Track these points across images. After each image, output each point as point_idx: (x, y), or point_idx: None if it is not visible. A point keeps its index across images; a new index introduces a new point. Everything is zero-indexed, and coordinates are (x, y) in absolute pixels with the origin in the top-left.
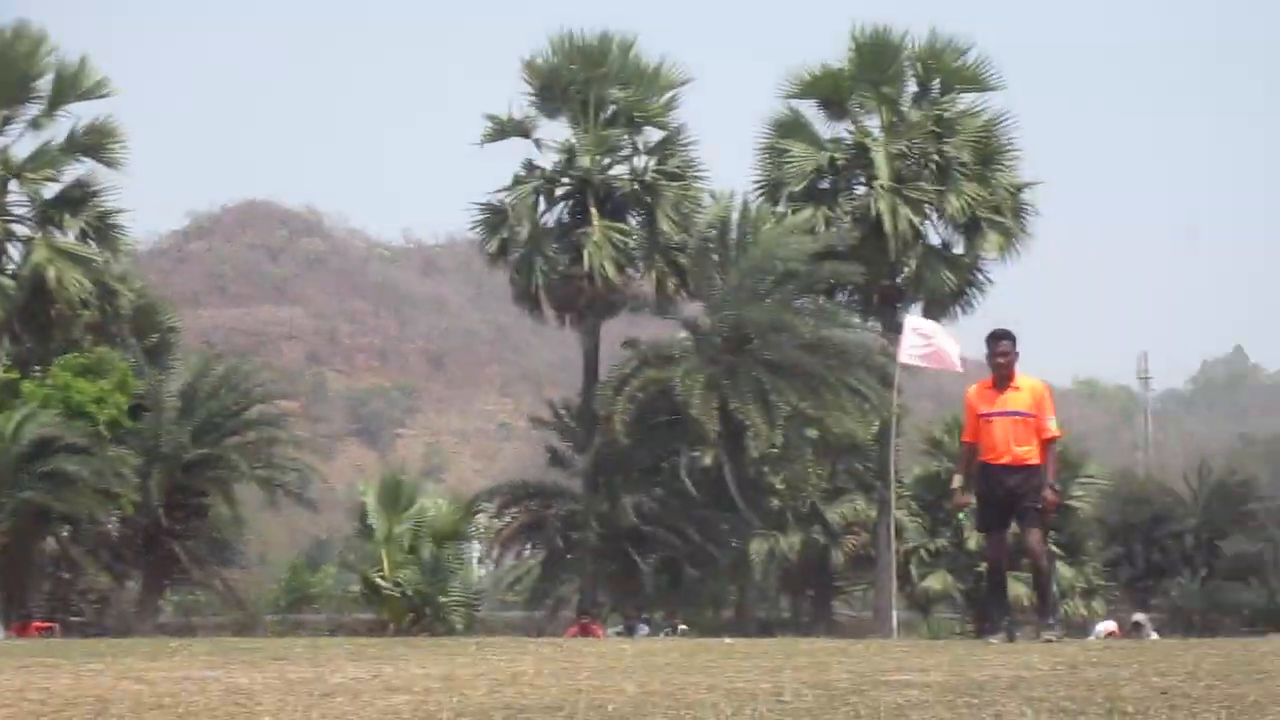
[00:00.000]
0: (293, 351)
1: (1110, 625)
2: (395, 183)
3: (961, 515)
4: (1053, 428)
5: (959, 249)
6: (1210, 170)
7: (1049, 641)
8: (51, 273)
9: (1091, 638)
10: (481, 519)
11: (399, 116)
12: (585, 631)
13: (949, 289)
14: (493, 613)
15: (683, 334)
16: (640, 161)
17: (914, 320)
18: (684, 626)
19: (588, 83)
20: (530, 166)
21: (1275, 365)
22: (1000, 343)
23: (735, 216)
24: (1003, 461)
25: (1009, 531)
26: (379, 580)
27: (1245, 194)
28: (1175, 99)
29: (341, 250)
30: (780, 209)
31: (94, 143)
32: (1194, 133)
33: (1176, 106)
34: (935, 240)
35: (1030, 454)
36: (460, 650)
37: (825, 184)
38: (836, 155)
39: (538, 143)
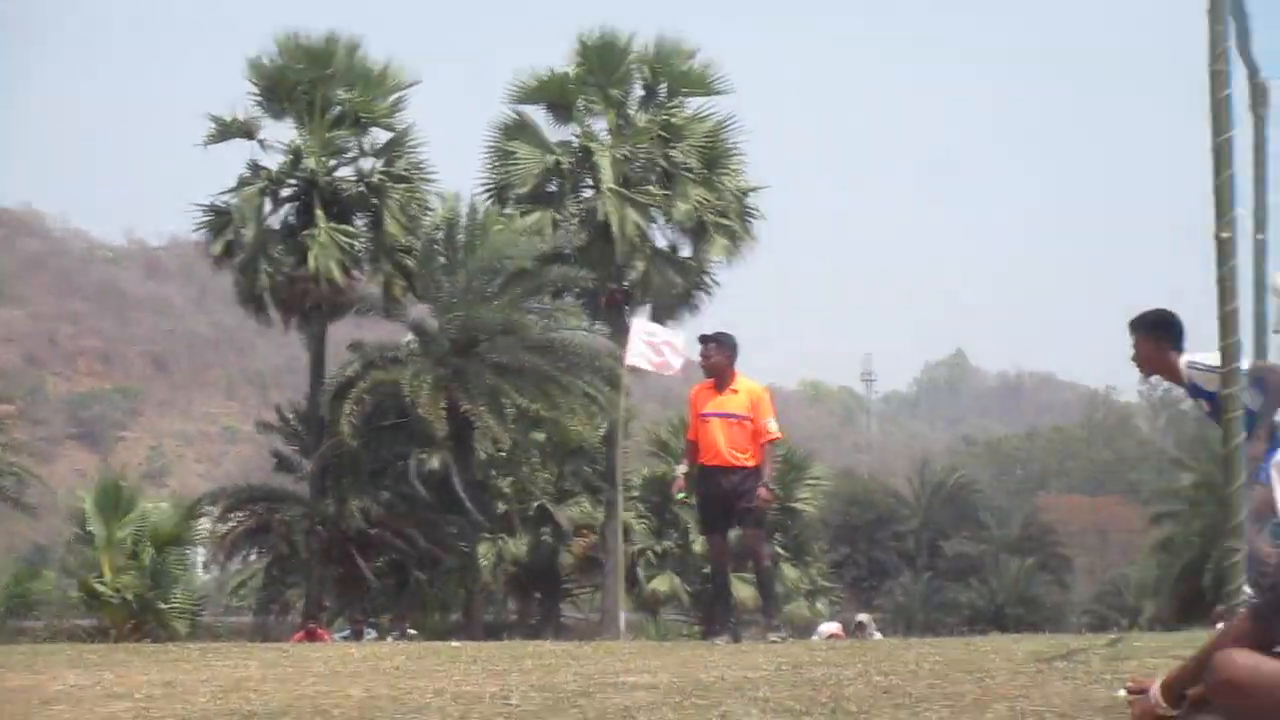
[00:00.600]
0: (10, 354)
1: (834, 626)
2: (117, 183)
3: (681, 495)
4: (772, 430)
5: (686, 252)
6: (933, 173)
7: (773, 642)
8: None
9: (815, 638)
10: (206, 523)
11: (121, 115)
12: (311, 636)
13: (676, 292)
14: (218, 618)
15: (410, 336)
16: (367, 163)
17: (641, 323)
18: (412, 630)
19: (313, 84)
20: (255, 168)
21: (995, 368)
22: (706, 345)
23: (463, 219)
24: (716, 463)
25: (730, 534)
26: (99, 586)
27: (972, 197)
28: (895, 101)
29: (61, 251)
30: (508, 211)
31: None
32: (914, 135)
33: (898, 107)
34: (662, 244)
35: (745, 456)
36: (183, 656)
37: (553, 187)
38: (563, 159)
39: (262, 144)
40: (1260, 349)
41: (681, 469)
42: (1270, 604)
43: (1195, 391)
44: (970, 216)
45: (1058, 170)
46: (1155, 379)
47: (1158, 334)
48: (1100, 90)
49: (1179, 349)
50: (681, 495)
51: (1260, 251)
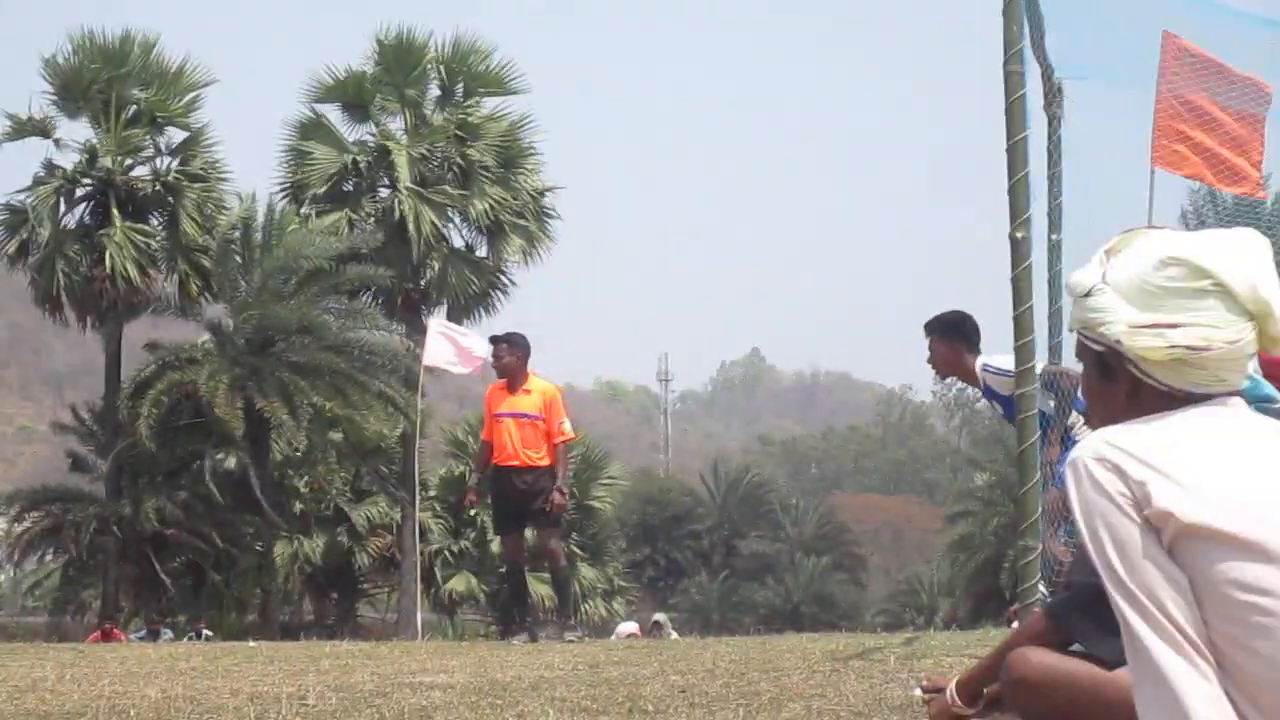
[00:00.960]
0: None
1: (631, 626)
2: None
3: (473, 511)
4: (567, 430)
5: (483, 252)
6: (726, 174)
7: (570, 642)
8: None
9: (612, 638)
10: (1, 524)
11: None
12: (108, 637)
13: (473, 291)
14: (13, 619)
15: (206, 336)
16: (163, 162)
17: (438, 323)
18: (208, 631)
19: (109, 82)
20: (51, 167)
21: (791, 367)
22: (496, 346)
23: (259, 218)
24: (511, 463)
25: (526, 533)
26: None
27: (769, 198)
28: (689, 97)
29: None
30: (305, 211)
31: None
32: (709, 131)
33: (693, 103)
34: (459, 243)
35: (539, 456)
36: None
37: (349, 186)
38: (360, 158)
39: (58, 142)
40: (1055, 350)
41: (473, 480)
42: (1064, 602)
43: (989, 394)
44: (767, 215)
45: (857, 167)
46: (950, 380)
47: (953, 336)
48: (901, 86)
49: (974, 351)
50: (473, 511)
51: (1054, 251)
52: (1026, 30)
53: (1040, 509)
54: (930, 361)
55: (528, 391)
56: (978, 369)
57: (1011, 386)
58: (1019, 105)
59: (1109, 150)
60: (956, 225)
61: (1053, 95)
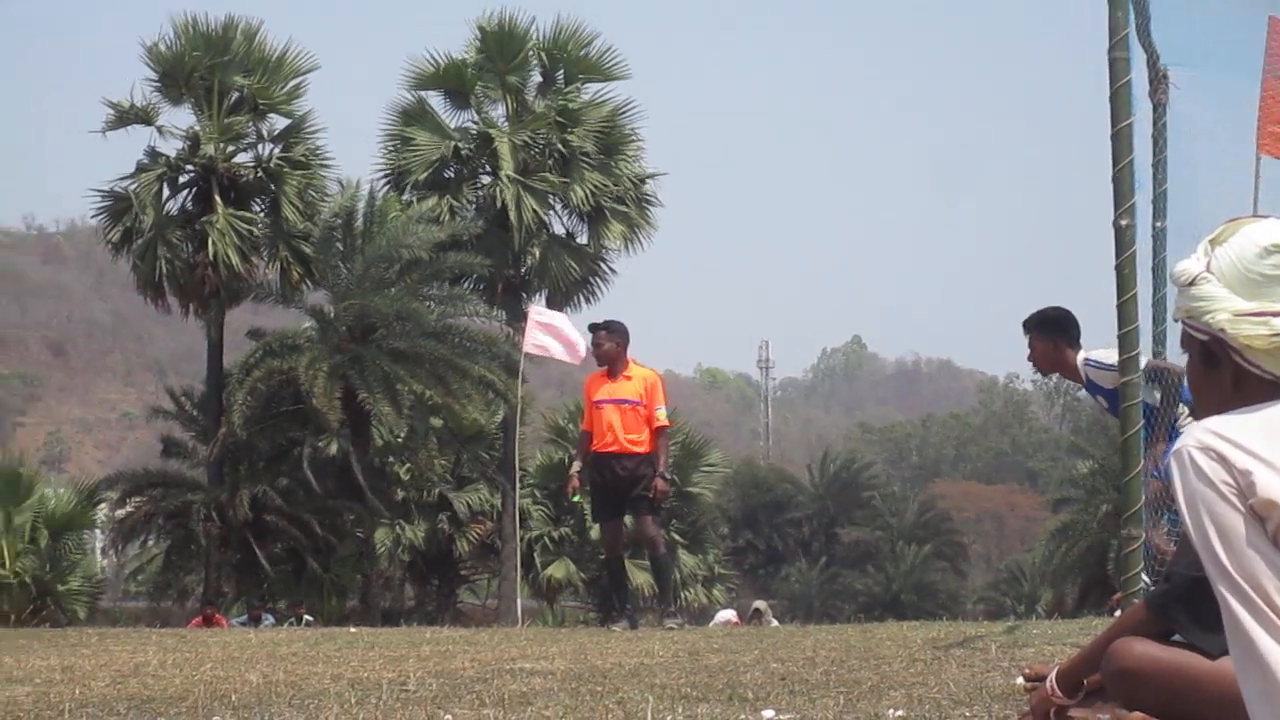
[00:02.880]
0: None
1: (731, 614)
2: (15, 168)
3: (576, 497)
4: (661, 417)
5: (583, 239)
6: (829, 162)
7: (671, 630)
8: None
9: (712, 625)
10: (104, 509)
11: (19, 99)
12: (209, 622)
13: (573, 278)
14: (117, 603)
15: (307, 323)
16: (265, 149)
17: (538, 310)
18: (309, 617)
19: (211, 69)
20: (154, 154)
21: (892, 355)
22: (597, 333)
23: (361, 206)
24: (611, 449)
25: (625, 521)
26: None
27: (871, 184)
28: (793, 95)
29: None
30: (406, 198)
31: None
32: (814, 120)
33: (797, 92)
34: (560, 230)
35: (640, 442)
36: (82, 641)
37: (450, 173)
38: (461, 145)
39: (161, 130)
40: (1158, 338)
41: (575, 468)
42: (1164, 594)
43: (1092, 388)
44: (868, 202)
45: (959, 153)
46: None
47: (1053, 332)
48: (1003, 75)
49: (1075, 346)
50: (576, 499)
51: (1159, 239)
52: (1132, 16)
53: (1144, 498)
54: (1031, 358)
55: (628, 378)
56: (1079, 363)
57: (1114, 380)
58: (1124, 92)
59: (1214, 137)
60: (1060, 212)
61: (1157, 82)
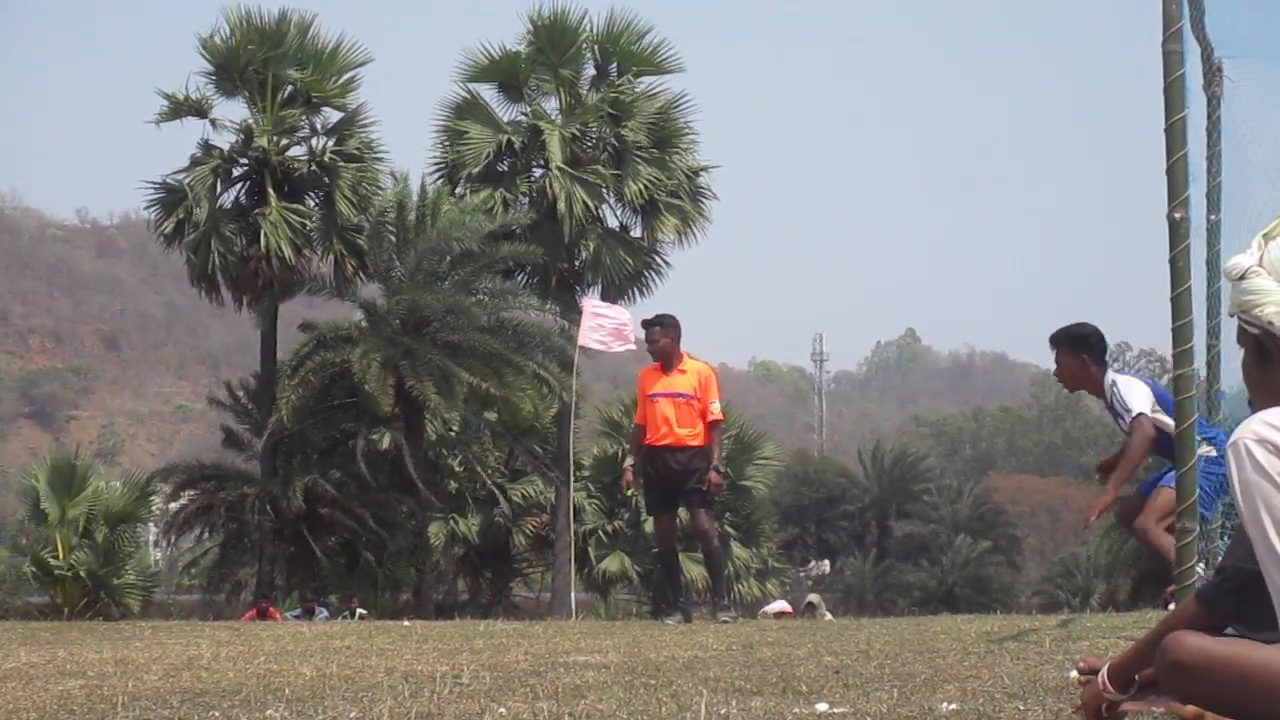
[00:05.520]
0: None
1: (781, 604)
2: (69, 161)
3: (630, 491)
4: (715, 410)
5: (636, 232)
6: (883, 154)
7: (724, 623)
8: None
9: (759, 616)
10: (157, 501)
11: (73, 92)
12: (263, 615)
13: (627, 271)
14: (170, 596)
15: (360, 315)
16: (318, 143)
17: (592, 303)
18: (362, 610)
19: (266, 62)
20: (207, 147)
21: (946, 348)
22: (651, 329)
23: (414, 198)
24: (665, 442)
25: (679, 514)
26: (52, 562)
27: (924, 178)
28: (846, 88)
29: (13, 229)
30: (460, 191)
31: None
32: (864, 117)
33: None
34: (613, 223)
35: (693, 435)
36: (135, 634)
37: (504, 166)
38: (514, 138)
39: (214, 123)
40: (1212, 331)
41: (629, 463)
42: (1216, 586)
43: (1114, 412)
44: (922, 196)
45: (1011, 148)
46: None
47: (1080, 348)
48: (1061, 66)
49: (1101, 363)
50: (630, 492)
51: (1213, 232)
52: (1186, 9)
53: (1197, 492)
54: (1057, 374)
55: (682, 371)
56: (1106, 385)
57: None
58: (1178, 84)
59: (1270, 130)
60: (1114, 206)
61: (1212, 74)
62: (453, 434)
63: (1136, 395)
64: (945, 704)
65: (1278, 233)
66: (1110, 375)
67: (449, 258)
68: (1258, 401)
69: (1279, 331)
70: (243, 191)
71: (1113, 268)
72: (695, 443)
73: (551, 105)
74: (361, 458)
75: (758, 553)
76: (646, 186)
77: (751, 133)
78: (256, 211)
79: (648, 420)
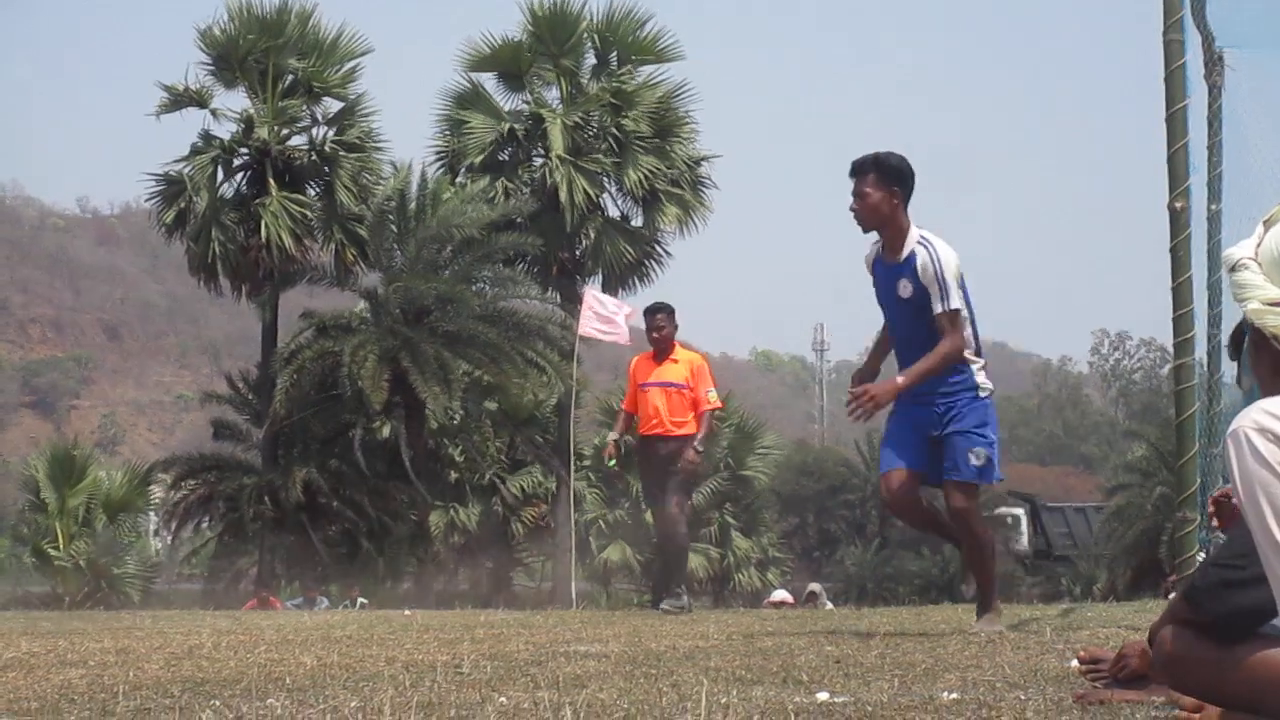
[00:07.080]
0: None
1: (783, 594)
2: (70, 151)
3: (612, 462)
4: (712, 399)
5: (637, 221)
6: (883, 143)
7: (666, 612)
8: None
9: (764, 605)
10: (157, 491)
11: (73, 82)
12: (263, 604)
13: (628, 261)
14: (170, 585)
15: (361, 305)
16: (319, 132)
17: (592, 293)
18: (363, 599)
19: (266, 53)
20: (207, 137)
21: None
22: (656, 316)
23: (414, 188)
24: (657, 431)
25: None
26: (52, 552)
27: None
28: (846, 76)
29: (12, 219)
30: (460, 180)
31: None
32: (864, 106)
33: (846, 82)
34: (614, 213)
35: (685, 424)
36: (136, 624)
37: (505, 155)
38: (516, 127)
39: (215, 113)
40: (1213, 319)
41: (613, 436)
42: (1203, 582)
43: (899, 270)
44: (922, 184)
45: (1008, 136)
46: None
47: (892, 181)
48: (1057, 56)
49: (906, 208)
50: (612, 463)
51: (1214, 221)
52: None
53: (1199, 480)
54: (856, 207)
55: (675, 361)
56: (912, 238)
57: (931, 277)
58: (1179, 74)
59: (1270, 119)
60: (1115, 195)
61: (1213, 64)
62: (453, 424)
63: (957, 282)
64: (946, 693)
65: (1277, 219)
66: (918, 230)
67: (450, 247)
68: (1264, 390)
69: (1260, 326)
70: (243, 181)
71: (1113, 257)
72: (685, 432)
73: (552, 94)
74: (361, 448)
75: (758, 542)
76: (647, 176)
77: (753, 122)
78: (257, 201)
79: (639, 409)
